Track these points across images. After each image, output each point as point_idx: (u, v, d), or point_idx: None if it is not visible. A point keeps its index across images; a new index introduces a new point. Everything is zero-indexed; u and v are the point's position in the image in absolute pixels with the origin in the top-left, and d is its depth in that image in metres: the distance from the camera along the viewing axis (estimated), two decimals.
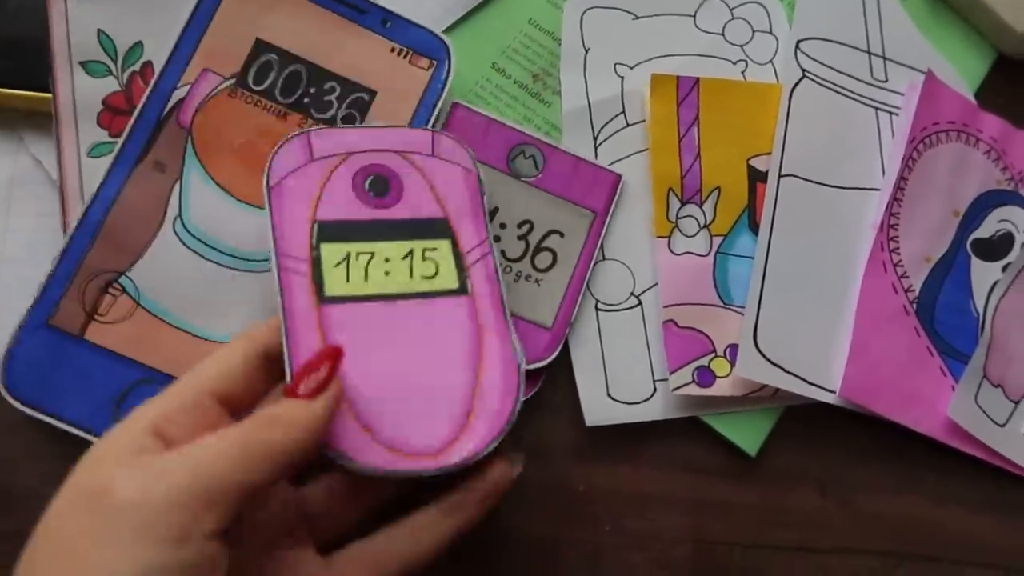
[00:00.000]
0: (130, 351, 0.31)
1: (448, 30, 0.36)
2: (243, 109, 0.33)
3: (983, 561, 0.33)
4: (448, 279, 0.30)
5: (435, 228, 0.31)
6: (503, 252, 0.34)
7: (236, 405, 0.25)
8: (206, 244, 0.32)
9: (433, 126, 0.34)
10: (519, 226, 0.34)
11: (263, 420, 0.23)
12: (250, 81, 0.33)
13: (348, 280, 0.29)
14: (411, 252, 0.30)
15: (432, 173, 0.31)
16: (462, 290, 0.30)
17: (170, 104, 0.32)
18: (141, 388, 0.31)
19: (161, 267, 0.32)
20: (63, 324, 0.31)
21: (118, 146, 0.32)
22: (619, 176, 0.34)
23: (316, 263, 0.29)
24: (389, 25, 0.34)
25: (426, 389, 0.28)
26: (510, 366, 0.29)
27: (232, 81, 0.33)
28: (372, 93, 0.34)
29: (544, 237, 0.34)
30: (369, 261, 0.29)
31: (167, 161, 0.32)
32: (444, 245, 0.30)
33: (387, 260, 0.30)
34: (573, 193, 0.34)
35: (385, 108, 0.34)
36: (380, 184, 0.30)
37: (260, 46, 0.33)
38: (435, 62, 0.34)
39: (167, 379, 0.31)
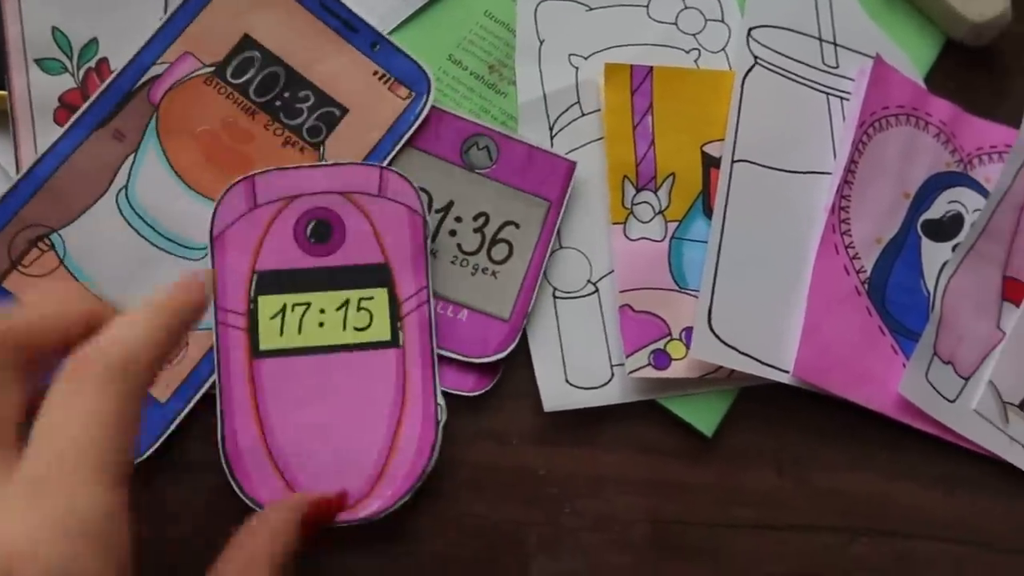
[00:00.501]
0: None
1: (405, 21, 0.37)
2: (214, 98, 0.33)
3: (934, 534, 0.34)
4: (380, 330, 0.31)
5: (374, 275, 0.32)
6: (459, 245, 0.34)
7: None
8: (145, 221, 0.33)
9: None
10: (475, 219, 0.34)
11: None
12: (228, 73, 0.33)
13: (282, 334, 0.31)
14: (347, 302, 0.31)
15: (376, 215, 0.32)
16: (394, 342, 0.31)
17: (144, 78, 0.33)
18: None
19: (94, 233, 0.32)
20: None
21: (83, 107, 0.32)
22: (573, 163, 0.35)
23: (252, 316, 0.31)
24: (377, 48, 0.34)
25: (345, 445, 0.30)
26: (428, 425, 0.31)
27: (211, 69, 0.33)
28: (344, 111, 0.34)
29: (500, 229, 0.34)
30: (304, 313, 0.31)
31: (127, 132, 0.33)
32: (381, 294, 0.32)
33: (322, 311, 0.31)
34: (527, 183, 0.35)
35: (353, 129, 0.34)
36: (322, 230, 0.32)
37: (246, 41, 0.34)
38: (414, 94, 0.34)
39: None
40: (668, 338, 0.34)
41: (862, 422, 0.35)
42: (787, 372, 0.34)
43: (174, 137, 0.33)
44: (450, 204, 0.34)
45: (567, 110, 0.36)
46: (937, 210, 0.37)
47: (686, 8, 0.38)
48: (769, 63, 0.37)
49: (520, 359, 0.34)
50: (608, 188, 0.35)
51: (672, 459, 0.34)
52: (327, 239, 0.31)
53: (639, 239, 0.35)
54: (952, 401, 0.35)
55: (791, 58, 0.38)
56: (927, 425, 0.34)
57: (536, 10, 0.37)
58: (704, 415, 0.34)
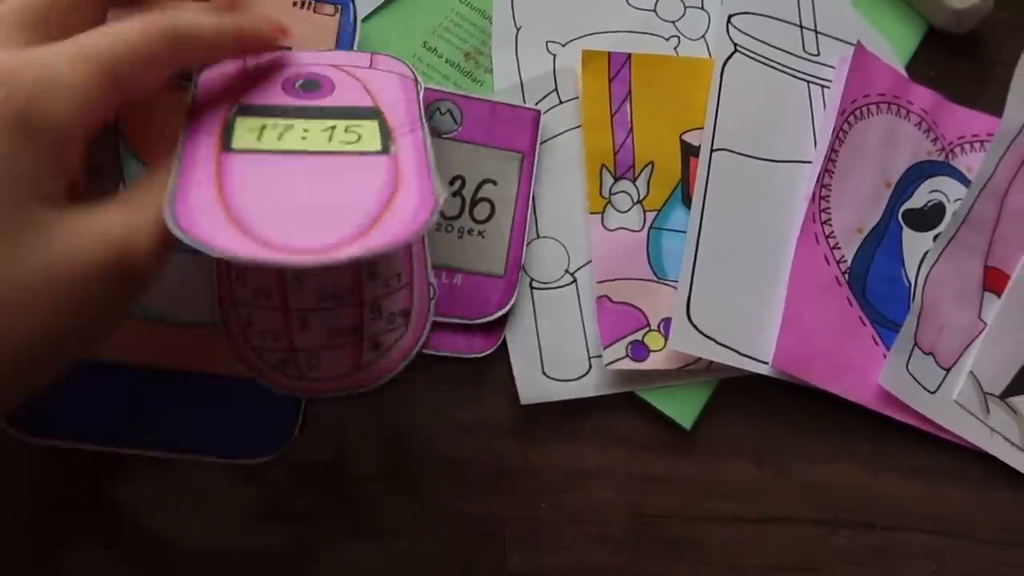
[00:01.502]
0: (106, 353, 0.30)
1: (379, 9, 0.36)
2: (164, 95, 0.32)
3: (914, 526, 0.34)
4: (371, 144, 0.26)
5: (364, 113, 0.28)
6: (441, 212, 0.33)
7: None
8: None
9: None
10: (451, 183, 0.34)
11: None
12: None
13: (259, 139, 0.26)
14: (334, 127, 0.27)
15: (367, 78, 0.30)
16: (384, 151, 0.26)
17: None
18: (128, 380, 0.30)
19: None
20: None
21: None
22: (538, 112, 0.35)
23: (228, 128, 0.26)
24: None
25: (329, 211, 0.24)
26: (427, 193, 0.24)
27: None
28: (285, 50, 0.33)
29: (478, 188, 0.34)
30: (286, 131, 0.26)
31: (103, 164, 0.31)
32: (371, 124, 0.28)
33: (305, 131, 0.26)
34: (496, 138, 0.34)
35: None
36: (311, 84, 0.29)
37: None
38: (339, 7, 0.34)
39: (144, 369, 0.30)
40: (646, 329, 0.34)
41: (842, 413, 0.34)
42: (766, 363, 0.33)
43: (149, 148, 0.32)
44: None
45: (544, 98, 0.36)
46: (918, 199, 0.37)
47: None
48: (749, 50, 0.37)
49: (497, 351, 0.33)
50: (586, 177, 0.35)
51: (651, 452, 0.33)
52: (316, 89, 0.28)
53: (617, 229, 0.34)
54: (933, 392, 0.35)
55: (771, 45, 0.37)
56: (908, 416, 0.34)
57: None
58: (683, 407, 0.34)
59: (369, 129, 0.27)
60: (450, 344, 0.33)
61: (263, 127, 0.26)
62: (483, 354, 0.33)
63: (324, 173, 0.25)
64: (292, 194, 0.24)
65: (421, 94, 0.30)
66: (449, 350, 0.33)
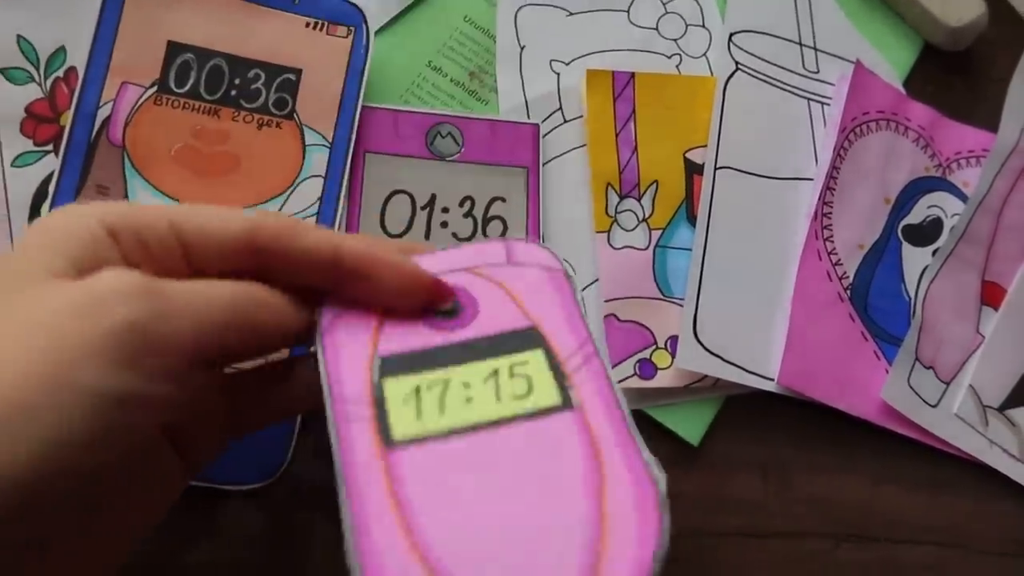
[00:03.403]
0: None
1: (383, 28, 0.36)
2: (172, 115, 0.32)
3: (916, 538, 0.34)
4: (546, 394, 0.22)
5: (522, 340, 0.23)
6: (454, 235, 0.33)
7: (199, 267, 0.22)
8: None
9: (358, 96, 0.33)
10: (460, 204, 0.34)
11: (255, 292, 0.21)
12: (172, 85, 0.32)
13: (419, 415, 0.22)
14: (496, 372, 0.23)
15: (511, 281, 0.25)
16: (566, 404, 0.22)
17: (97, 124, 0.32)
18: None
19: None
20: None
21: (55, 178, 0.31)
22: (537, 126, 0.35)
23: (379, 404, 0.22)
24: (298, 1, 0.34)
25: (536, 535, 0.20)
26: (643, 482, 0.20)
27: (154, 89, 0.32)
28: (297, 72, 0.33)
29: (488, 207, 0.34)
30: (444, 391, 0.22)
31: (108, 183, 0.31)
32: (536, 356, 0.23)
33: (466, 386, 0.22)
34: (499, 156, 0.34)
35: (314, 85, 0.33)
36: (450, 305, 0.24)
37: (174, 48, 0.33)
38: (353, 28, 0.34)
39: None
40: (653, 347, 0.34)
41: (846, 427, 0.35)
42: (772, 380, 0.34)
43: (153, 167, 0.32)
44: (433, 198, 0.34)
45: (549, 116, 0.36)
46: (917, 215, 0.38)
47: (667, 13, 0.38)
48: (750, 68, 0.37)
49: None
50: (591, 196, 0.35)
51: None
52: (457, 314, 0.24)
53: (623, 247, 0.35)
54: (934, 406, 0.35)
55: (772, 63, 0.38)
56: (910, 430, 0.35)
57: (516, 15, 0.37)
58: (690, 424, 0.34)
59: (536, 366, 0.23)
60: None
61: (417, 390, 0.22)
62: None
63: (511, 466, 0.21)
64: (487, 517, 0.20)
65: (580, 296, 0.25)
66: None
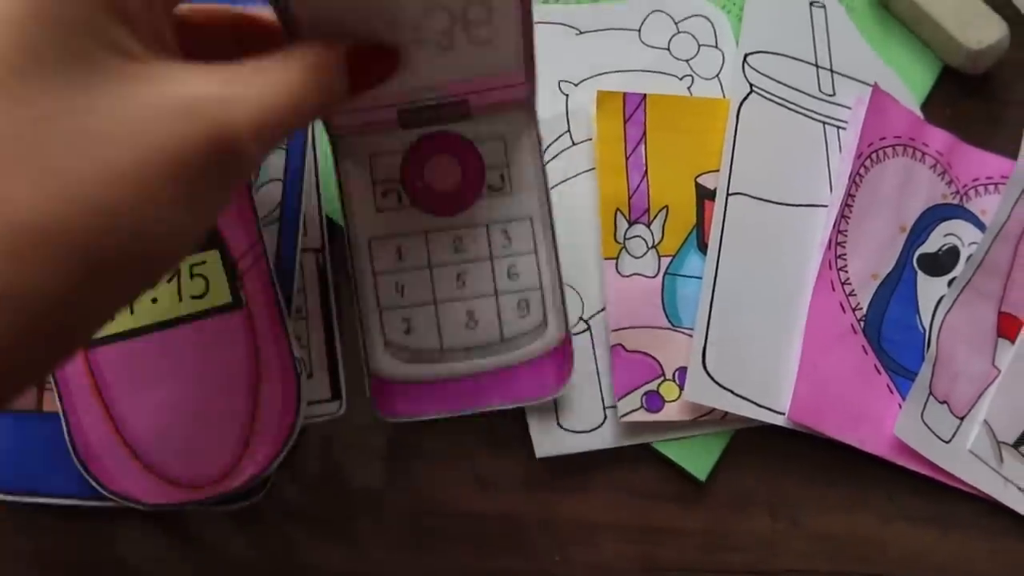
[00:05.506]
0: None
1: None
2: None
3: None
4: (220, 294, 0.29)
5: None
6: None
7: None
8: None
9: None
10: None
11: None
12: None
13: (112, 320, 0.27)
14: (177, 272, 0.29)
15: None
16: (236, 303, 0.29)
17: None
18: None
19: None
20: (18, 404, 0.30)
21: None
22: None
23: None
24: None
25: (204, 417, 0.29)
26: (288, 380, 0.29)
27: None
28: None
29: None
30: None
31: None
32: (212, 256, 0.29)
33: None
34: None
35: None
36: None
37: None
38: None
39: None
40: (661, 379, 0.33)
41: (857, 462, 0.34)
42: (782, 414, 0.33)
43: None
44: None
45: (558, 139, 0.35)
46: (933, 244, 0.37)
47: (679, 33, 0.37)
48: (765, 91, 0.36)
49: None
50: (600, 222, 0.34)
51: (665, 504, 0.33)
52: None
53: (632, 275, 0.34)
54: (947, 442, 0.34)
55: (787, 86, 0.36)
56: (922, 466, 0.34)
57: None
58: (697, 459, 0.33)
59: (212, 267, 0.28)
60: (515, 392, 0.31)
61: None
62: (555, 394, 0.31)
63: (189, 360, 0.28)
64: (170, 403, 0.28)
65: (254, 190, 0.30)
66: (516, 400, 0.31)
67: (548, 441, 0.32)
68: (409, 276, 0.29)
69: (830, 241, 0.35)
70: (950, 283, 0.36)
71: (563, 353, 0.31)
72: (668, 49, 0.37)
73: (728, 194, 0.35)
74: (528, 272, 0.29)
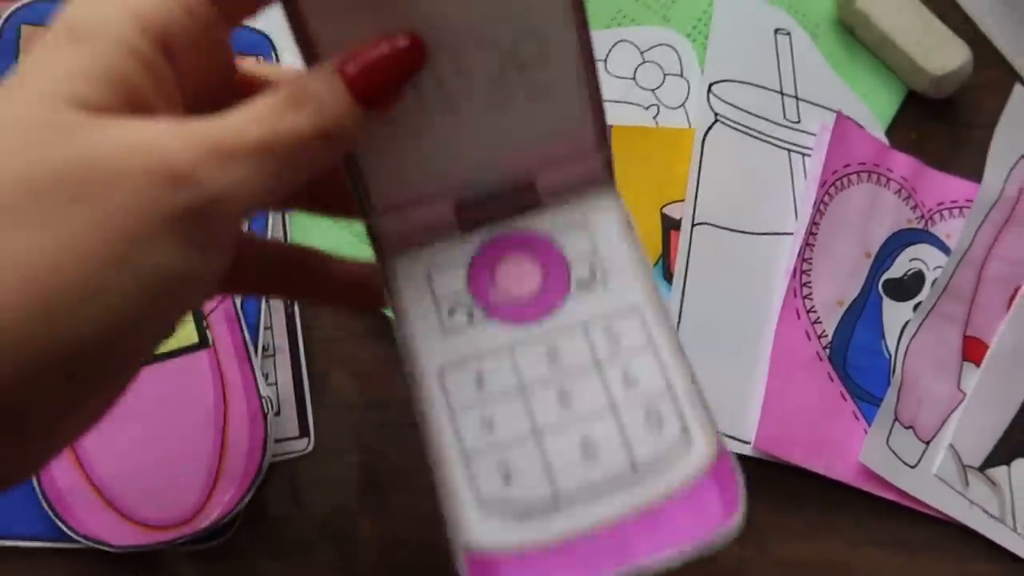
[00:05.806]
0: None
1: None
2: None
3: None
4: (186, 334, 0.30)
5: None
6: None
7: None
8: None
9: None
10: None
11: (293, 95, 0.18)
12: None
13: None
14: None
15: None
16: (202, 343, 0.30)
17: None
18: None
19: None
20: None
21: None
22: None
23: None
24: None
25: (172, 458, 0.29)
26: (256, 420, 0.30)
27: None
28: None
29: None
30: None
31: None
32: None
33: None
34: None
35: None
36: None
37: None
38: (261, 56, 0.34)
39: None
40: None
41: (823, 488, 0.34)
42: (748, 443, 0.33)
43: None
44: None
45: None
46: (898, 268, 0.37)
47: (644, 62, 0.37)
48: (730, 119, 0.36)
49: None
50: None
51: None
52: None
53: None
54: (913, 467, 0.35)
55: (752, 114, 0.37)
56: (888, 492, 0.34)
57: None
58: None
59: None
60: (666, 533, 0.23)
61: None
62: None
63: (159, 400, 0.29)
64: (140, 442, 0.29)
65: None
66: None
67: None
68: (498, 406, 0.22)
69: (795, 269, 0.35)
70: (915, 308, 0.36)
71: (723, 469, 0.22)
72: (634, 79, 0.37)
73: (693, 224, 0.35)
74: (649, 373, 0.23)
